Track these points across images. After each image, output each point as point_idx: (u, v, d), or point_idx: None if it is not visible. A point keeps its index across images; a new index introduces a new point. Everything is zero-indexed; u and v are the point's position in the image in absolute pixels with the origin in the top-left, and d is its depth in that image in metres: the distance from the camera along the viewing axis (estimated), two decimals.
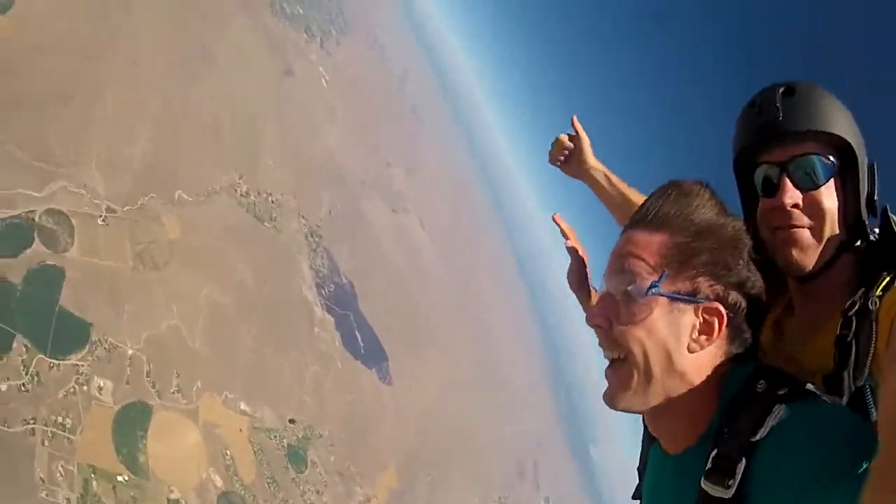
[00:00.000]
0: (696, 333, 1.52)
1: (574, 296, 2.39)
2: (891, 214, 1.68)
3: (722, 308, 1.53)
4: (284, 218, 57.09)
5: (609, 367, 1.56)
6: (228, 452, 36.97)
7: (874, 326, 1.47)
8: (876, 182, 1.72)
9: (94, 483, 28.09)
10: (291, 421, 43.56)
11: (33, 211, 31.37)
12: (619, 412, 1.59)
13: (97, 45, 41.21)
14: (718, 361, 1.56)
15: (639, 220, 1.61)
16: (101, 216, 36.01)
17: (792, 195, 1.67)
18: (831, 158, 1.68)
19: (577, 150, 2.72)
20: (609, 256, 1.64)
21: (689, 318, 1.52)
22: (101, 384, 30.81)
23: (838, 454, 1.28)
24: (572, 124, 2.75)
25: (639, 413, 1.60)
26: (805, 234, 1.69)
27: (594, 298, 1.81)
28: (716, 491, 1.41)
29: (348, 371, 55.36)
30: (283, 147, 61.59)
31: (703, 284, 1.53)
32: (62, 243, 32.41)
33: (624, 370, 1.52)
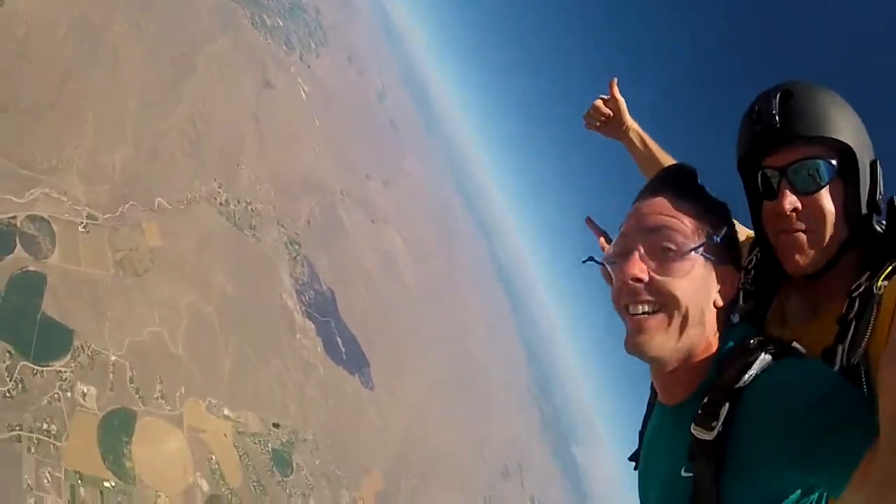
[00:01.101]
0: (717, 292, 1.68)
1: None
2: None
3: (735, 271, 1.75)
4: (264, 227, 56.89)
5: (638, 317, 1.63)
6: (214, 457, 36.77)
7: (875, 310, 1.52)
8: (879, 179, 1.74)
9: (82, 489, 27.81)
10: (275, 425, 43.44)
11: (14, 217, 31.14)
12: (643, 360, 1.69)
13: (81, 54, 41.11)
14: (724, 321, 1.73)
15: (657, 188, 1.75)
16: (81, 223, 35.83)
17: (791, 200, 1.71)
18: (830, 161, 1.70)
19: (617, 115, 2.83)
20: (633, 217, 1.74)
21: (713, 276, 1.67)
22: (85, 390, 30.59)
23: (825, 404, 1.35)
24: (610, 89, 2.83)
25: (662, 361, 1.66)
26: (806, 239, 1.73)
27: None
28: (702, 434, 1.52)
29: (330, 377, 55.24)
30: (263, 157, 61.49)
31: (723, 249, 1.69)
32: (44, 249, 32.21)
33: (659, 318, 1.62)
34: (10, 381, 26.67)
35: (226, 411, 40.24)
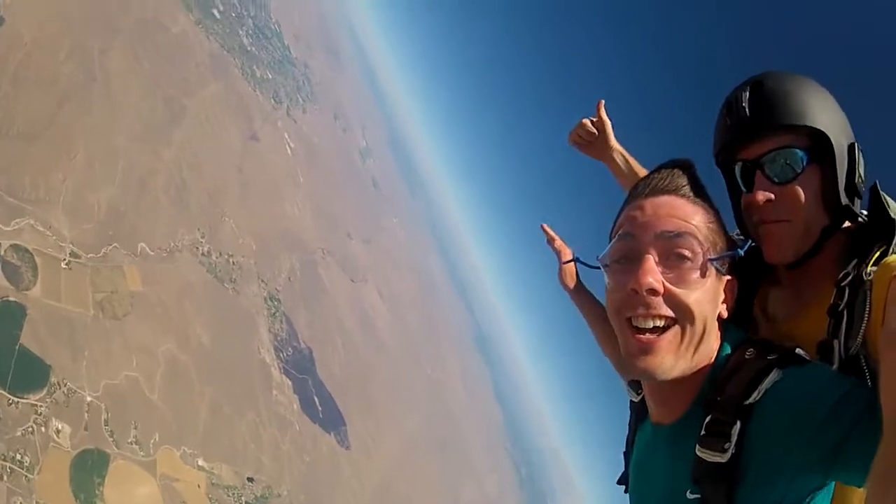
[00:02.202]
0: (723, 302, 1.57)
1: (567, 302, 2.51)
2: (881, 192, 1.67)
3: (734, 279, 1.62)
4: (244, 280, 56.71)
5: (646, 334, 1.48)
6: None
7: (868, 296, 1.49)
8: (858, 163, 1.70)
9: None
10: (250, 479, 42.28)
11: None
12: (648, 381, 1.60)
13: (77, 82, 41.48)
14: (722, 330, 1.59)
15: (666, 187, 1.59)
16: (64, 259, 35.58)
17: (764, 191, 1.68)
18: (804, 148, 1.67)
19: (602, 135, 2.74)
20: (641, 215, 1.56)
21: (720, 286, 1.56)
22: (59, 427, 29.86)
23: (839, 412, 1.29)
24: (598, 110, 2.76)
25: (668, 379, 1.51)
26: (782, 228, 1.70)
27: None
28: (711, 456, 1.41)
29: (306, 434, 54.47)
30: (246, 210, 61.70)
31: (727, 258, 1.57)
32: (25, 281, 31.79)
33: (670, 336, 1.48)
34: None
35: (200, 462, 39.29)
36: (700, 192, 1.60)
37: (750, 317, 1.87)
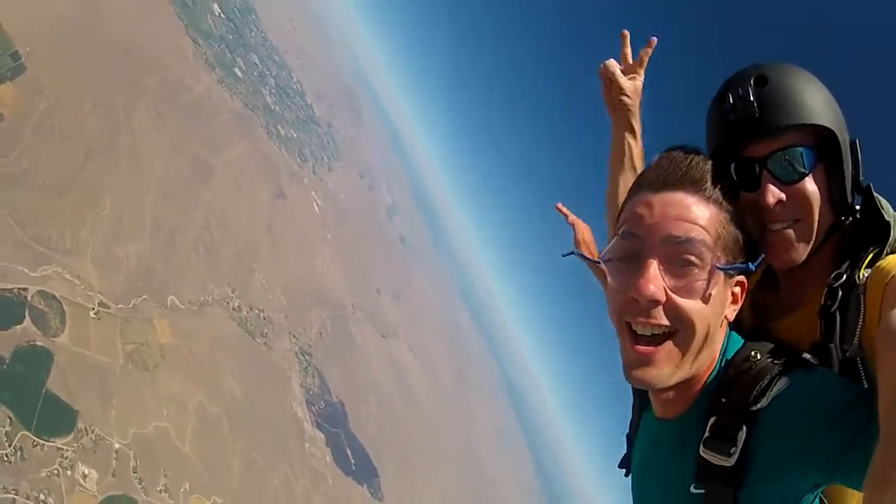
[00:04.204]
0: (729, 304, 1.51)
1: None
2: (875, 193, 1.65)
3: (745, 280, 1.56)
4: (275, 335, 56.98)
5: (644, 344, 1.43)
6: None
7: (862, 299, 1.46)
8: (859, 160, 1.67)
9: None
10: None
11: (25, 289, 31.36)
12: (646, 388, 1.54)
13: (102, 137, 42.65)
14: (727, 331, 1.56)
15: (678, 181, 1.50)
16: (93, 309, 36.04)
17: (775, 193, 1.61)
18: (811, 147, 1.62)
19: (635, 82, 2.44)
20: (647, 213, 1.48)
21: (728, 289, 1.50)
22: (86, 472, 29.81)
23: (844, 420, 1.28)
24: (623, 46, 2.45)
25: (665, 387, 1.48)
26: (795, 233, 1.64)
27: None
28: (716, 459, 1.40)
29: (339, 486, 53.88)
30: (276, 266, 62.36)
31: (738, 258, 1.50)
32: (53, 327, 32.19)
33: (670, 346, 1.43)
34: (10, 446, 26.18)
35: None
36: (717, 185, 1.51)
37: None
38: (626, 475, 1.85)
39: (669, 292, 1.40)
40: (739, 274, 1.50)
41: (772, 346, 1.50)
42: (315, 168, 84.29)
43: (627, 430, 1.87)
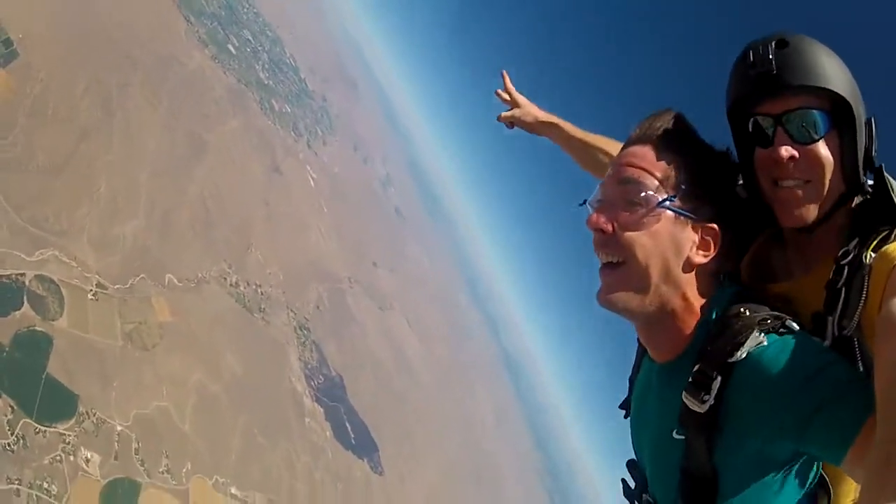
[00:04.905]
0: (695, 249, 1.62)
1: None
2: (886, 175, 1.68)
3: (718, 228, 1.65)
4: (273, 310, 57.02)
5: (605, 268, 1.63)
6: None
7: (866, 280, 1.49)
8: (874, 137, 1.71)
9: None
10: None
11: (23, 274, 31.14)
12: (614, 312, 1.65)
13: (96, 118, 42.27)
14: (709, 279, 1.66)
15: (642, 136, 1.70)
16: (91, 290, 35.84)
17: (788, 148, 1.66)
18: (827, 112, 1.65)
19: (524, 108, 2.85)
20: (614, 164, 1.72)
21: (689, 233, 1.62)
22: (89, 456, 29.80)
23: (815, 384, 1.34)
24: (504, 82, 2.88)
25: (632, 315, 1.64)
26: (805, 191, 1.68)
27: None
28: (693, 404, 1.49)
29: (339, 461, 54.28)
30: (272, 241, 62.26)
31: (704, 204, 1.64)
32: (51, 311, 32.02)
33: (621, 272, 1.60)
34: (12, 435, 26.08)
35: (233, 490, 39.18)
36: (676, 137, 1.68)
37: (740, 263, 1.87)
38: (626, 417, 1.97)
39: (616, 226, 1.60)
40: (712, 212, 1.65)
41: (765, 307, 1.56)
42: (310, 142, 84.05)
43: (630, 374, 1.98)
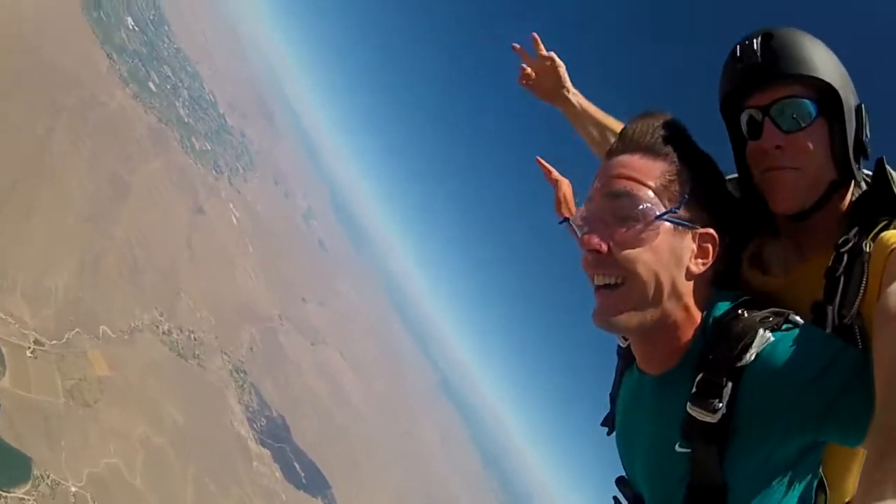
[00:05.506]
0: (693, 258, 1.53)
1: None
2: (887, 166, 1.65)
3: (715, 234, 1.57)
4: (207, 355, 55.64)
5: (602, 290, 1.51)
6: None
7: (865, 268, 1.49)
8: (865, 124, 1.68)
9: None
10: None
11: None
12: (613, 333, 1.61)
13: (26, 162, 40.57)
14: (706, 286, 1.58)
15: (630, 145, 1.58)
16: (29, 348, 34.63)
17: (773, 137, 1.64)
18: (814, 100, 1.65)
19: (553, 74, 2.55)
20: (599, 178, 1.58)
21: (687, 242, 1.53)
22: None
23: (827, 376, 1.33)
24: (535, 46, 2.56)
25: (632, 333, 1.56)
26: (791, 176, 1.66)
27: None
28: (702, 415, 1.43)
29: (293, 502, 53.25)
30: (200, 284, 60.82)
31: (702, 211, 1.55)
32: None
33: (622, 292, 1.49)
34: None
35: None
36: (667, 141, 1.55)
37: (738, 269, 1.79)
38: (609, 434, 1.86)
39: (613, 244, 1.47)
40: (693, 226, 1.53)
41: (761, 304, 1.54)
42: (231, 179, 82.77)
43: (611, 390, 1.87)
